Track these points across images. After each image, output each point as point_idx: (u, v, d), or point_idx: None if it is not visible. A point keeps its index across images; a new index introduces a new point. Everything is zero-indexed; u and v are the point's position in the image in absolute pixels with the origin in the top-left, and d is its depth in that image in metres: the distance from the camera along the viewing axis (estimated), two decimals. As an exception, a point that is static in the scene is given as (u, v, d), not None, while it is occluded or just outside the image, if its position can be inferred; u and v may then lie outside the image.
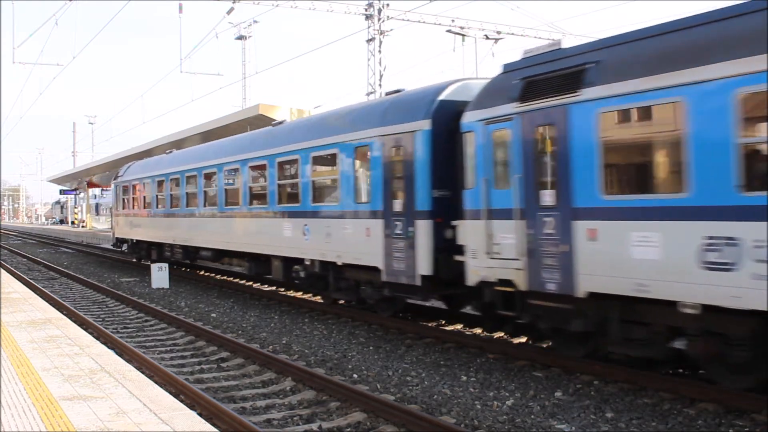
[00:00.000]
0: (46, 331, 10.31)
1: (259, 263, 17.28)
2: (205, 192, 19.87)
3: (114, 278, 24.15)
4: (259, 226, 16.59)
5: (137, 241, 26.69)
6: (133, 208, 26.56)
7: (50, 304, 14.85)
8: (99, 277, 24.30)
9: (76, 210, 79.44)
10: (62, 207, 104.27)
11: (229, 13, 29.48)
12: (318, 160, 14.45)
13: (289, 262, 15.44)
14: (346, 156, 13.19)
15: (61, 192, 76.97)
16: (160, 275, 20.94)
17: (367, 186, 12.62)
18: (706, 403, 7.88)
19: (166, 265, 21.86)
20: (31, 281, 21.90)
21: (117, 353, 9.98)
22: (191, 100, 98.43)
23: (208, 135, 31.34)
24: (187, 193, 21.30)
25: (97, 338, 10.95)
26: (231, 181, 18.31)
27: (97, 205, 77.15)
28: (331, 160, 13.90)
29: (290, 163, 15.29)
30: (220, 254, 19.62)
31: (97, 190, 73.45)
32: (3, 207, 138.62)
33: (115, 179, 29.61)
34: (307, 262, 14.36)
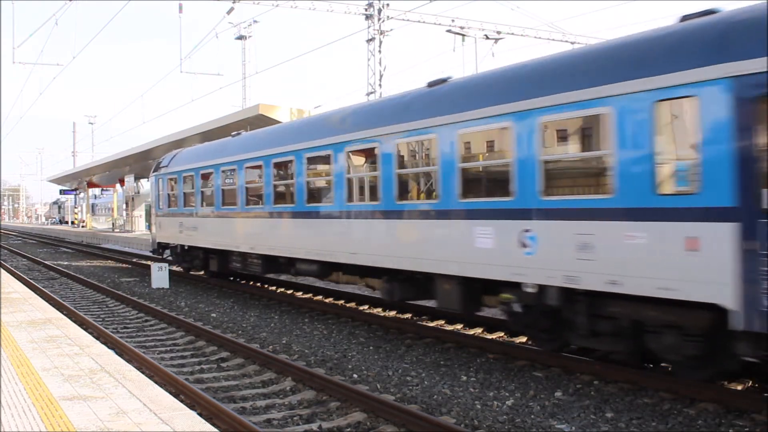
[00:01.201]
0: (46, 331, 10.31)
1: (409, 284, 12.08)
2: (309, 185, 14.34)
3: (114, 278, 24.15)
4: (424, 231, 11.05)
5: (189, 247, 21.16)
6: (185, 205, 20.94)
7: (50, 304, 14.85)
8: (99, 277, 24.30)
9: (76, 210, 79.50)
10: (60, 207, 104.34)
11: (229, 13, 29.49)
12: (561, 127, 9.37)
13: (473, 284, 10.53)
14: (628, 113, 8.03)
15: (61, 192, 76.96)
16: (160, 275, 20.93)
17: (696, 163, 7.40)
18: (706, 403, 7.88)
19: (166, 265, 21.84)
20: (31, 281, 21.90)
21: (117, 353, 9.98)
22: (191, 100, 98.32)
23: (207, 135, 31.34)
24: (281, 185, 15.71)
25: (97, 338, 10.95)
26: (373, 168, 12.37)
27: (93, 206, 77.13)
28: (589, 123, 8.93)
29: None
30: (330, 268, 14.53)
31: (96, 190, 73.45)
32: (3, 207, 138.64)
33: (155, 171, 23.73)
34: (529, 289, 9.33)
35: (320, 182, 14.29)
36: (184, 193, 21.02)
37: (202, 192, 19.65)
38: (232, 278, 21.28)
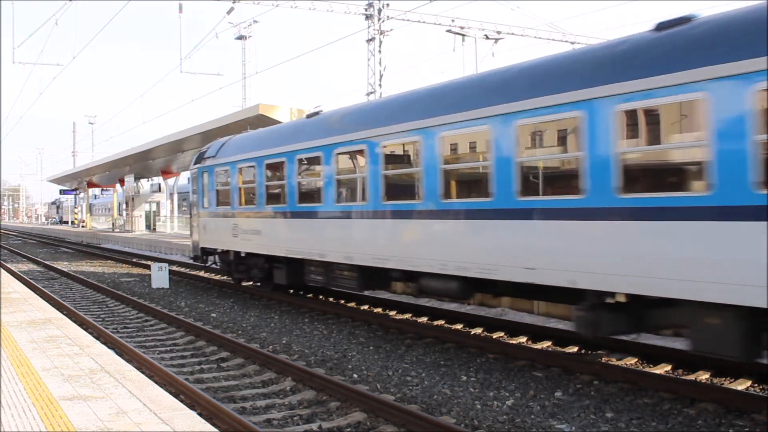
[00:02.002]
0: (46, 331, 10.31)
1: (618, 312, 8.49)
2: (453, 174, 10.65)
3: (114, 278, 24.15)
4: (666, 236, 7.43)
5: (247, 254, 17.39)
6: (243, 203, 17.00)
7: (50, 304, 14.85)
8: (99, 277, 24.29)
9: (76, 210, 79.55)
10: (58, 207, 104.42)
11: (229, 13, 29.50)
12: None
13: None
14: None
15: (61, 192, 76.99)
16: (160, 275, 20.93)
17: None
18: (706, 403, 7.88)
19: (166, 265, 21.83)
20: (31, 281, 21.91)
21: (117, 353, 9.98)
22: (191, 100, 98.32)
23: (207, 135, 31.33)
24: (403, 174, 11.74)
25: (97, 338, 10.95)
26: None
27: (90, 206, 77.14)
28: None
29: None
30: (477, 286, 10.60)
31: (96, 190, 73.48)
32: (3, 207, 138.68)
33: (199, 162, 19.65)
34: None
35: (472, 168, 10.46)
36: (241, 188, 17.06)
37: (268, 187, 15.72)
38: (301, 293, 17.68)
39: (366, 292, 14.78)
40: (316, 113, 14.93)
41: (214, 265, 20.15)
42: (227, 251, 18.42)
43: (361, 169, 12.45)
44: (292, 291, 17.68)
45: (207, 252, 19.63)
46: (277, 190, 15.43)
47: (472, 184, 10.47)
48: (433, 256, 10.72)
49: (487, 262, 9.66)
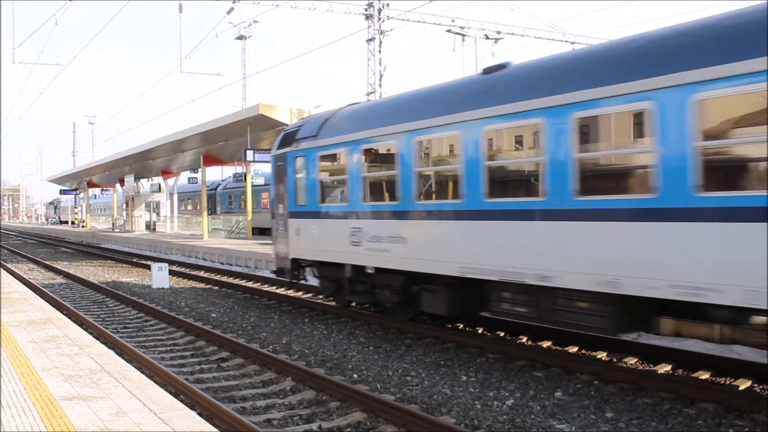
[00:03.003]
0: (46, 331, 10.31)
1: None
2: None
3: (114, 278, 24.15)
4: None
5: (375, 270, 12.48)
6: (370, 200, 12.48)
7: (50, 304, 14.86)
8: (99, 277, 24.29)
9: (76, 210, 79.57)
10: (56, 207, 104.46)
11: (229, 13, 29.53)
12: None
13: None
14: None
15: (61, 192, 77.01)
16: (160, 275, 20.93)
17: None
18: (706, 403, 7.88)
19: (166, 264, 21.84)
20: (31, 281, 21.91)
21: (117, 353, 9.98)
22: (191, 100, 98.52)
23: (207, 135, 31.34)
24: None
25: (97, 338, 10.96)
26: None
27: (90, 206, 77.11)
28: None
29: None
30: None
31: (96, 190, 73.50)
32: (3, 207, 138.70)
33: (287, 145, 14.97)
34: None
35: None
36: (366, 179, 12.54)
37: (422, 175, 11.26)
38: (460, 325, 12.84)
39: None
40: (502, 66, 10.45)
41: (302, 279, 15.78)
42: (339, 264, 13.50)
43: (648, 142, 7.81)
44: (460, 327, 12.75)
45: (302, 264, 15.13)
46: (442, 180, 11.17)
47: None
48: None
49: None
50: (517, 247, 9.43)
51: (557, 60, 9.63)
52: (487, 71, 10.63)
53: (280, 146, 15.41)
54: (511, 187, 10.05)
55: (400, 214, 11.65)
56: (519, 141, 9.95)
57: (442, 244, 10.78)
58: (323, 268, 14.45)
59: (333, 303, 16.28)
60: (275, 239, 16.03)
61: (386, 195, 12.22)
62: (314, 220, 14.11)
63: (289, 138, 15.03)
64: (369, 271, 12.62)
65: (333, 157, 13.59)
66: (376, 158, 12.63)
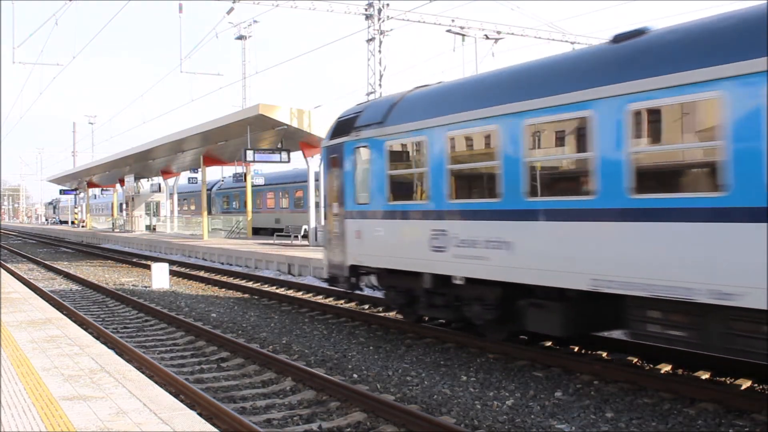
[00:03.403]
0: (46, 331, 10.31)
1: None
2: None
3: (114, 278, 24.14)
4: None
5: (465, 282, 10.44)
6: (458, 196, 10.49)
7: (50, 304, 14.86)
8: (99, 277, 24.29)
9: (76, 210, 79.57)
10: (54, 207, 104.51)
11: (229, 13, 29.52)
12: None
13: None
14: None
15: (62, 192, 77.01)
16: (160, 275, 20.93)
17: None
18: (706, 403, 7.88)
19: (166, 264, 21.84)
20: (31, 281, 21.91)
21: (117, 353, 9.98)
22: (191, 100, 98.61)
23: (207, 135, 31.35)
24: None
25: (97, 338, 10.96)
26: None
27: (90, 206, 77.11)
28: None
29: None
30: None
31: (96, 190, 73.53)
32: (3, 207, 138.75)
33: (343, 133, 13.01)
34: None
35: None
36: (451, 171, 10.45)
37: (531, 165, 9.26)
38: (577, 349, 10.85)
39: (366, 292, 13.70)
40: (640, 32, 8.51)
41: (363, 286, 13.72)
42: (412, 273, 11.44)
43: None
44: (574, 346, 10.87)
45: (361, 271, 13.03)
46: (564, 172, 9.30)
47: None
48: None
49: None
50: (686, 257, 7.33)
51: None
52: (619, 39, 8.63)
53: (333, 135, 13.39)
54: (676, 178, 7.78)
55: (503, 215, 9.58)
56: (688, 120, 7.66)
57: (566, 251, 8.71)
58: (391, 277, 12.19)
59: (332, 303, 16.28)
60: (327, 242, 13.84)
61: (482, 191, 10.12)
62: (381, 221, 11.96)
63: (346, 126, 13.01)
64: (457, 281, 10.48)
65: (406, 147, 11.60)
66: (467, 147, 10.53)
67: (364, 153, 12.42)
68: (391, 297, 12.64)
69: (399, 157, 11.77)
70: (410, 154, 11.59)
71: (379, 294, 12.50)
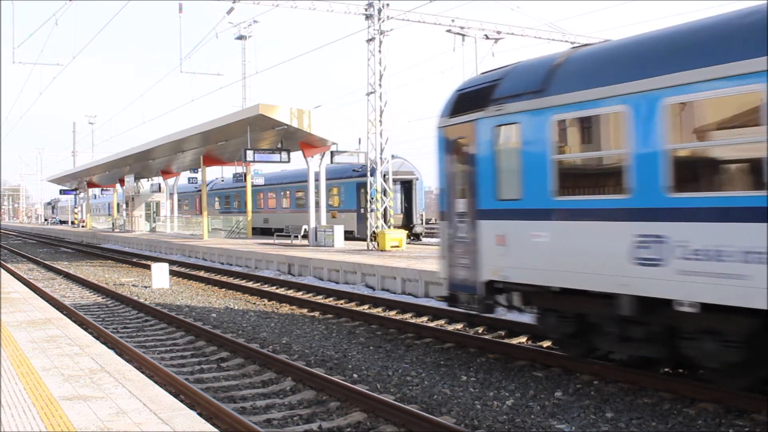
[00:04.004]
0: (46, 331, 10.31)
1: None
2: None
3: (114, 278, 24.14)
4: None
5: (702, 309, 7.27)
6: (675, 190, 7.43)
7: (50, 304, 14.86)
8: (99, 277, 24.29)
9: (76, 210, 79.56)
10: (53, 207, 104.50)
11: (229, 13, 29.45)
12: None
13: None
14: None
15: (62, 192, 76.99)
16: (160, 275, 20.94)
17: None
18: (706, 403, 7.88)
19: (166, 264, 21.84)
20: (31, 281, 21.91)
21: (117, 353, 9.98)
22: (191, 100, 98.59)
23: (207, 135, 31.34)
24: None
25: (97, 338, 10.96)
26: None
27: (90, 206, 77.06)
28: None
29: None
30: None
31: (96, 190, 73.53)
32: (3, 207, 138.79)
33: (472, 108, 10.13)
34: None
35: None
36: (673, 154, 7.53)
37: None
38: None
39: (365, 292, 13.63)
40: None
41: (504, 307, 10.45)
42: (594, 295, 8.58)
43: None
44: None
45: (504, 288, 10.02)
46: None
47: None
48: None
49: None
50: None
51: None
52: None
53: (455, 112, 10.52)
54: None
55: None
56: None
57: None
58: (555, 298, 9.24)
59: (333, 303, 16.27)
60: (446, 250, 10.85)
61: (733, 181, 7.24)
62: (541, 223, 9.10)
63: (478, 98, 10.13)
64: (683, 309, 7.48)
65: (588, 122, 8.72)
66: (699, 119, 7.52)
67: (511, 132, 9.61)
68: (551, 324, 9.56)
69: (573, 137, 8.96)
70: (593, 131, 8.74)
71: (517, 316, 10.48)
